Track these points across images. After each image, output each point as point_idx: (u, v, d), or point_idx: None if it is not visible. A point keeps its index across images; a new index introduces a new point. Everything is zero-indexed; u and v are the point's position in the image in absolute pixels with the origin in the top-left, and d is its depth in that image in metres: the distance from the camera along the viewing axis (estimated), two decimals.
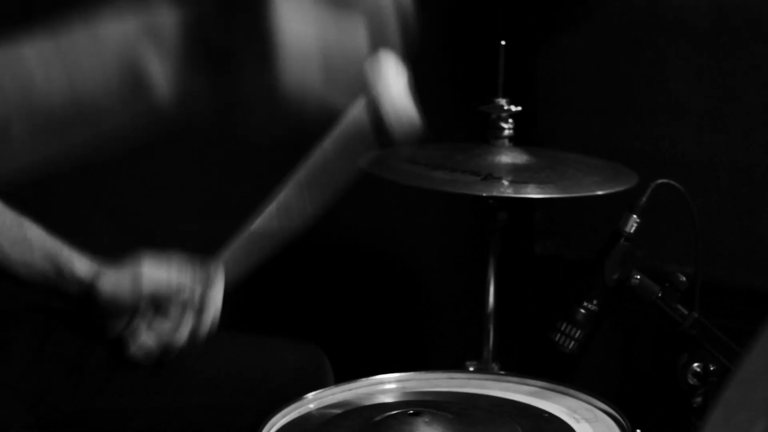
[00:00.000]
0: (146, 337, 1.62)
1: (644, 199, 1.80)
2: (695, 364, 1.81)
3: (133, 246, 2.09)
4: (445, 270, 2.73)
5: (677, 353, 1.86)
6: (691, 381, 1.81)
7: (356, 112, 1.31)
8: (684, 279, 1.80)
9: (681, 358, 1.84)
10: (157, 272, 1.61)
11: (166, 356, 1.64)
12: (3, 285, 2.24)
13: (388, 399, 1.70)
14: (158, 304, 1.61)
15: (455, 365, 2.06)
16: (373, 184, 2.06)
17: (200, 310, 1.61)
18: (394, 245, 2.69)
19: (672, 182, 1.82)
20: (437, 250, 2.72)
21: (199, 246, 1.67)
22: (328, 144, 1.46)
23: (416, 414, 1.55)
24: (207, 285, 1.61)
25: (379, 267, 2.67)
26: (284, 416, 1.62)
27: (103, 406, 1.69)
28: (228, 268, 1.61)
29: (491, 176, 1.94)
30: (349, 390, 1.71)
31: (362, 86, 1.23)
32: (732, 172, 2.47)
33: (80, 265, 1.62)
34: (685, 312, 1.81)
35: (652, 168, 2.17)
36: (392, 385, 1.74)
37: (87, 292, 1.61)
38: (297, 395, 1.64)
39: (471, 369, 2.09)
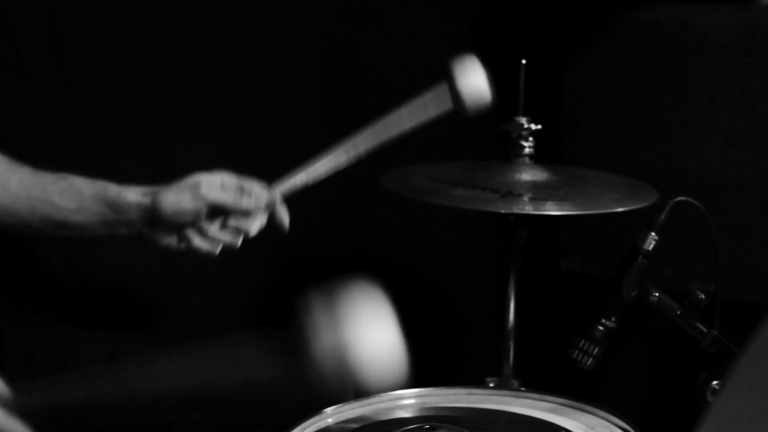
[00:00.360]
0: (211, 233, 1.69)
1: (662, 216, 1.81)
2: (715, 382, 1.81)
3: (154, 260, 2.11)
4: (467, 286, 2.74)
5: (698, 371, 1.86)
6: (710, 399, 1.81)
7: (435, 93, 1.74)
8: (703, 297, 1.80)
9: (701, 375, 1.84)
10: (213, 179, 1.67)
11: (233, 246, 1.71)
12: (30, 299, 2.28)
13: (406, 414, 1.71)
14: (219, 209, 1.68)
15: (476, 381, 2.07)
16: (395, 201, 2.08)
17: (261, 201, 1.70)
18: (415, 262, 2.71)
19: (690, 200, 1.82)
20: (459, 266, 2.73)
21: None
22: (405, 111, 1.81)
23: (432, 429, 1.56)
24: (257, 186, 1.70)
25: (401, 283, 2.68)
26: (303, 430, 1.63)
27: (122, 422, 1.71)
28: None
29: (511, 194, 1.95)
30: (368, 405, 1.72)
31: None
32: (756, 190, 2.46)
33: (132, 193, 1.67)
34: (705, 330, 1.81)
35: (677, 186, 2.17)
36: (411, 401, 1.75)
37: (149, 212, 1.66)
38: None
39: (491, 385, 2.10)
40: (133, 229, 1.68)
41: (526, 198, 1.96)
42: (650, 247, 1.81)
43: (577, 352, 1.81)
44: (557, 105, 2.66)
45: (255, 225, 1.71)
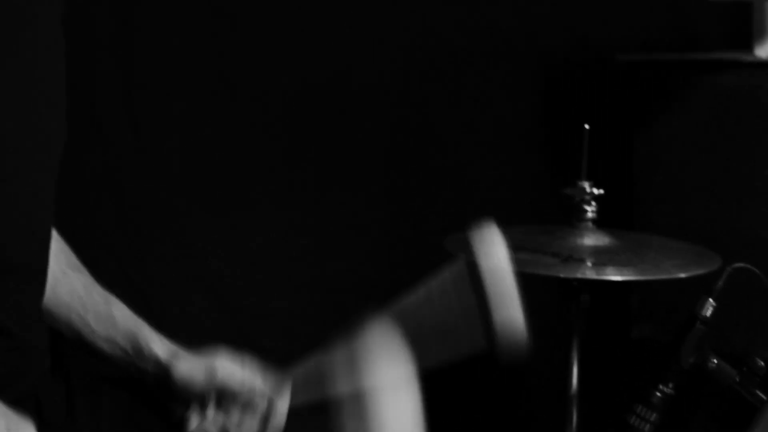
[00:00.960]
0: (208, 425, 1.65)
1: (721, 282, 1.80)
2: None
3: (222, 320, 2.16)
4: (530, 350, 2.73)
5: None
6: None
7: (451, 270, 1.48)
8: (762, 364, 1.79)
9: None
10: (231, 368, 1.65)
11: None
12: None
13: None
14: (225, 398, 1.64)
15: None
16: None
17: (264, 416, 1.64)
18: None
19: (748, 266, 1.81)
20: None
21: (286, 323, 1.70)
22: (417, 295, 1.53)
23: None
24: (274, 394, 1.63)
25: None
26: None
27: None
28: (296, 388, 1.63)
29: (572, 258, 1.95)
30: None
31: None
32: None
33: (158, 346, 1.67)
34: (764, 397, 1.80)
35: (746, 253, 2.16)
36: None
37: (163, 372, 1.65)
38: None
39: None
40: (147, 379, 1.68)
41: (588, 263, 1.96)
42: (708, 314, 1.80)
43: (634, 418, 1.81)
44: (625, 169, 2.66)
45: (250, 426, 1.65)
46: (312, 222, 2.51)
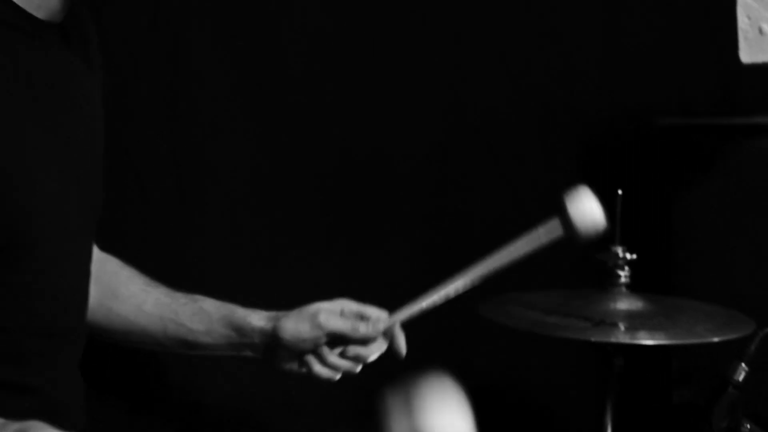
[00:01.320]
0: (330, 360, 1.75)
1: (753, 347, 1.80)
2: None
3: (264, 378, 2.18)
4: (565, 416, 2.73)
5: None
6: None
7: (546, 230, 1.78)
8: None
9: None
10: (333, 311, 1.73)
11: (352, 372, 1.77)
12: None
13: None
14: (338, 339, 1.74)
15: None
16: (493, 328, 2.10)
17: (379, 328, 1.76)
18: (513, 389, 2.71)
19: None
20: (556, 395, 2.72)
21: None
22: (514, 248, 1.83)
23: None
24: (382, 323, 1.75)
25: (498, 411, 2.68)
26: None
27: None
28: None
29: (604, 322, 1.96)
30: None
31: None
32: None
33: (257, 318, 1.74)
34: None
35: None
36: None
37: (270, 338, 1.74)
38: None
39: None
40: (257, 351, 1.76)
41: (621, 327, 1.97)
42: (741, 378, 1.80)
43: None
44: (663, 234, 2.66)
45: (373, 352, 1.76)
46: (351, 285, 2.52)
